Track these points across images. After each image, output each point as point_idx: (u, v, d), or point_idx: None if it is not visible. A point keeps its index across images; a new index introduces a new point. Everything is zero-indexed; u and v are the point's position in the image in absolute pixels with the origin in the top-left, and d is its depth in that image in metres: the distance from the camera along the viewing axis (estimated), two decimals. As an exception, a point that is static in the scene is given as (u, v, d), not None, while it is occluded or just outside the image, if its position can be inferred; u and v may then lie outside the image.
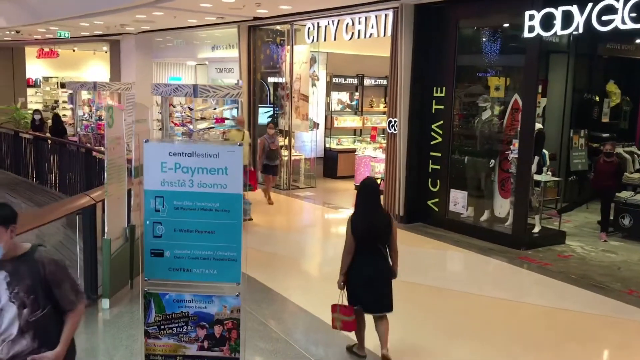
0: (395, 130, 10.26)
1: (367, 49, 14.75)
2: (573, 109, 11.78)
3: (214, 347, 4.12)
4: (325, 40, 12.21)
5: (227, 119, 9.74)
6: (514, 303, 6.83)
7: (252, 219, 9.91)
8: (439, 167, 10.02)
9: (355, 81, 15.62)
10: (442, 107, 9.87)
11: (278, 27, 13.64)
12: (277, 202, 11.65)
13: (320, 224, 11.37)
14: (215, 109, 9.46)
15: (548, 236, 9.23)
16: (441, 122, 9.89)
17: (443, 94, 9.82)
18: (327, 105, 15.17)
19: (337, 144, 15.25)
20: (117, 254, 6.32)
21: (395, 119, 10.23)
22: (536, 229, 9.22)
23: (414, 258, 8.24)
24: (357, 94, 15.77)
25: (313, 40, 12.49)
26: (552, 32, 7.79)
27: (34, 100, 24.21)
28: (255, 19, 12.65)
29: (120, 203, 6.57)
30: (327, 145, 15.20)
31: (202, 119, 9.58)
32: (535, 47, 8.26)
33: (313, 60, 14.31)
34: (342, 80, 15.32)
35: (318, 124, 14.70)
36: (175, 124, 9.93)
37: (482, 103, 9.62)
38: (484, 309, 6.60)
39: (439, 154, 9.99)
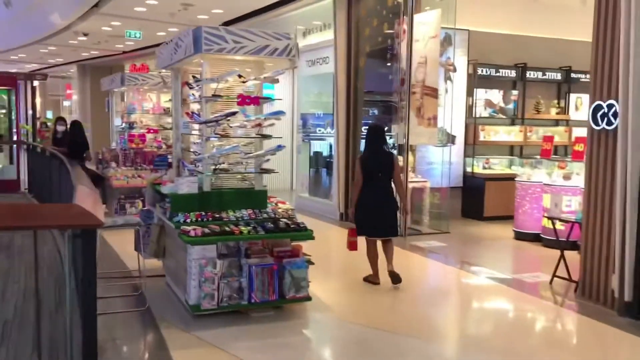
0: (610, 124, 5.06)
1: (532, 27, 9.94)
2: None
3: None
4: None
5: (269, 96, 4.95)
6: None
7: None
8: None
9: (514, 74, 10.42)
10: None
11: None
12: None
13: (456, 310, 6.17)
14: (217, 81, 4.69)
15: None
16: None
17: None
18: (469, 109, 10.11)
19: (485, 167, 10.08)
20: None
21: (611, 102, 5.04)
22: None
23: None
24: (515, 92, 10.53)
25: (446, -7, 7.67)
26: None
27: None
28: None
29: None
30: (469, 169, 10.09)
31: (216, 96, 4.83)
32: None
33: (447, 42, 9.49)
34: (493, 71, 10.19)
35: (454, 137, 9.74)
36: (189, 115, 5.55)
37: None
38: None
39: None
